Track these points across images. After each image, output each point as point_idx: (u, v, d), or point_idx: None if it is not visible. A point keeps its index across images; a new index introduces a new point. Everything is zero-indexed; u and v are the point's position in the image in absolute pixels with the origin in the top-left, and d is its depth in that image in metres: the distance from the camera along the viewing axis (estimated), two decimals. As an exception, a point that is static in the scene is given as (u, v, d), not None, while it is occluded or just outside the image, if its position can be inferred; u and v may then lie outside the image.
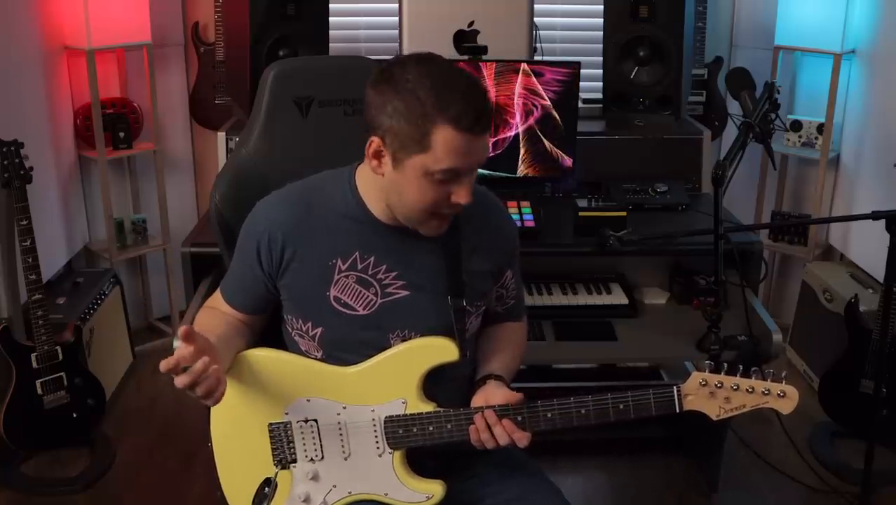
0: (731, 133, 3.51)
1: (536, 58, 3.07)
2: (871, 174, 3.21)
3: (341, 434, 1.56)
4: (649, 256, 2.51)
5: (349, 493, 1.58)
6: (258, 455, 1.60)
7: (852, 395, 2.81)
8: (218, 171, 1.92)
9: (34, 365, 2.66)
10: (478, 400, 1.56)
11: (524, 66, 2.58)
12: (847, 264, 3.36)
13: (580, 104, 2.73)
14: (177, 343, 2.04)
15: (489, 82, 2.56)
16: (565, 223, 2.50)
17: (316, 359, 1.60)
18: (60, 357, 2.71)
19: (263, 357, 1.59)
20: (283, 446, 1.58)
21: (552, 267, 2.53)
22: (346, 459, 1.57)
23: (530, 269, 2.52)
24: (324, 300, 1.56)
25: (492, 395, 1.55)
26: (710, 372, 1.46)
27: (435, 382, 1.55)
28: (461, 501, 1.61)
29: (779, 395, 1.44)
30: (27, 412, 2.68)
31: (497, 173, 2.64)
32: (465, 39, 2.78)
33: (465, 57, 2.73)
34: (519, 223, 2.44)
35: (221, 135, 2.88)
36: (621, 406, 1.49)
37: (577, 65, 2.58)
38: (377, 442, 1.55)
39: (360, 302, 1.56)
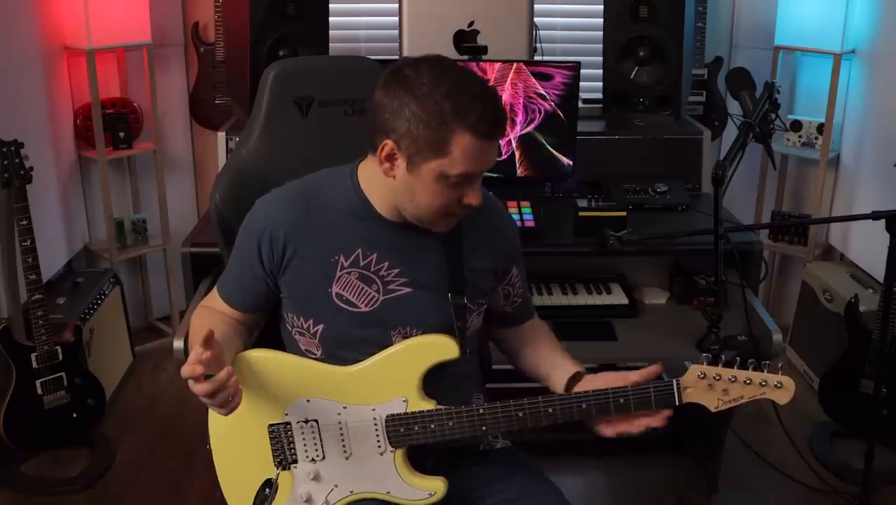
0: (731, 133, 3.51)
1: (536, 58, 3.07)
2: (871, 174, 3.21)
3: (342, 434, 1.56)
4: (649, 256, 2.51)
5: (351, 492, 1.58)
6: (258, 456, 1.59)
7: (852, 395, 2.81)
8: (218, 171, 1.93)
9: (34, 365, 2.66)
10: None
11: (524, 66, 2.58)
12: (847, 264, 3.36)
13: (580, 104, 2.73)
14: (177, 343, 2.07)
15: (492, 82, 2.56)
16: (565, 223, 2.50)
17: (316, 357, 1.60)
18: (60, 357, 2.71)
19: (262, 358, 1.58)
20: (283, 447, 1.58)
21: (552, 267, 2.53)
22: (347, 458, 1.57)
23: (530, 269, 2.50)
24: (325, 297, 1.56)
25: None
26: (708, 365, 1.48)
27: (435, 380, 1.55)
28: (461, 501, 1.61)
29: (775, 385, 1.45)
30: (27, 412, 2.68)
31: (497, 174, 2.64)
32: (465, 39, 2.78)
33: (466, 57, 2.73)
34: (519, 223, 2.44)
35: (221, 135, 2.88)
36: (622, 400, 1.50)
37: (577, 65, 2.58)
38: (378, 441, 1.55)
39: (362, 299, 1.56)
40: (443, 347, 1.54)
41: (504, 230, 1.70)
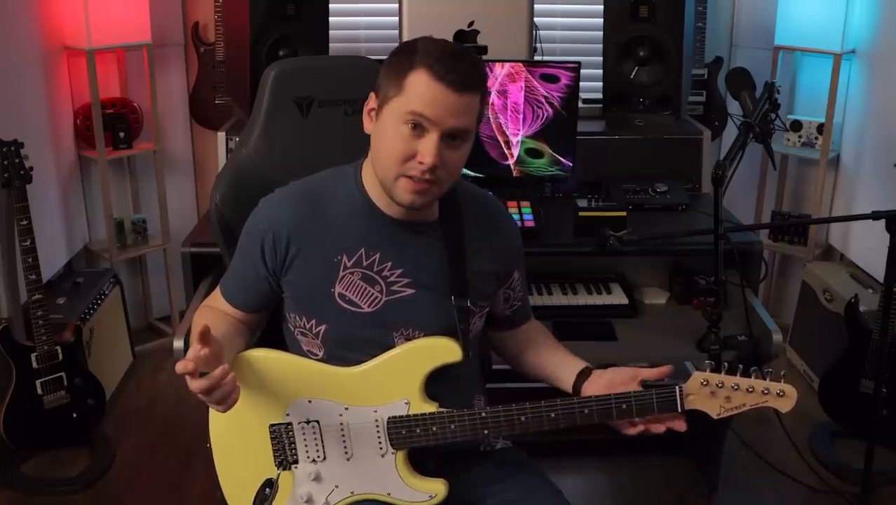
0: (731, 133, 3.51)
1: (536, 58, 3.07)
2: (871, 174, 3.21)
3: (343, 435, 1.56)
4: (649, 256, 2.51)
5: (351, 493, 1.58)
6: (259, 456, 1.59)
7: (852, 395, 2.81)
8: (218, 171, 1.92)
9: (34, 365, 2.66)
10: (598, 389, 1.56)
11: (532, 68, 2.58)
12: (847, 264, 3.36)
13: (580, 104, 2.73)
14: (177, 343, 2.07)
15: (493, 83, 2.55)
16: (565, 223, 2.50)
17: (318, 358, 1.60)
18: (60, 357, 2.71)
19: (264, 357, 1.58)
20: (284, 447, 1.58)
21: (552, 267, 2.52)
22: (348, 459, 1.57)
23: (530, 269, 2.49)
24: (328, 297, 1.56)
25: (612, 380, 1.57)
26: (711, 372, 1.48)
27: (437, 382, 1.55)
28: (462, 502, 1.61)
29: (778, 394, 1.45)
30: (27, 412, 2.68)
31: (497, 174, 2.64)
32: (465, 39, 2.78)
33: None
34: (519, 223, 2.44)
35: (221, 135, 2.87)
36: (624, 406, 1.50)
37: (578, 65, 2.58)
38: (380, 442, 1.55)
39: (365, 299, 1.56)
40: (446, 350, 1.54)
41: (507, 233, 1.70)
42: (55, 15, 3.13)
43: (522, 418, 1.51)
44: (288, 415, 1.57)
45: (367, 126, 1.53)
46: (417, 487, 1.56)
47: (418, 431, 1.53)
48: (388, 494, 1.57)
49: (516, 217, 2.46)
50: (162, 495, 2.70)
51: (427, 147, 1.44)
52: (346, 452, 1.57)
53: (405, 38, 2.81)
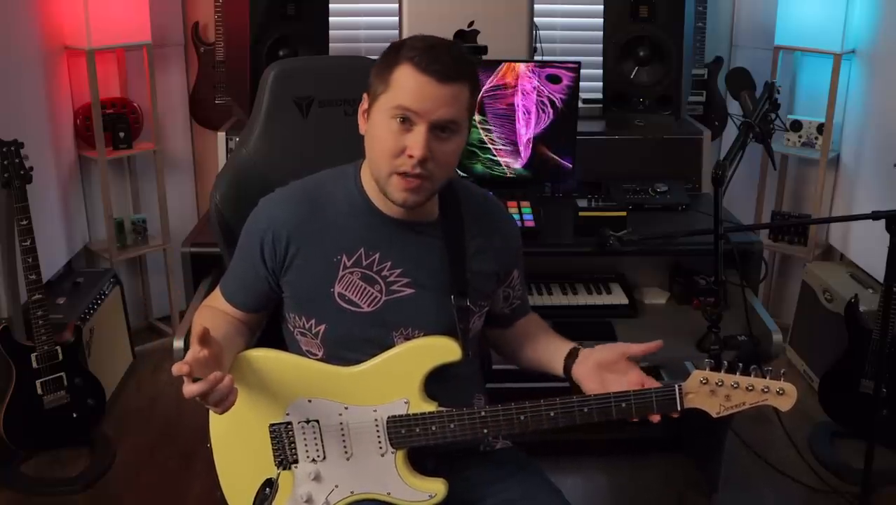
0: (731, 133, 3.51)
1: (536, 58, 3.06)
2: (871, 174, 3.21)
3: (343, 435, 1.56)
4: (649, 256, 2.51)
5: (351, 492, 1.58)
6: (258, 456, 1.59)
7: (852, 395, 2.81)
8: (218, 171, 1.92)
9: (34, 365, 2.66)
10: (592, 377, 1.57)
11: (525, 66, 2.57)
12: (847, 264, 3.36)
13: (580, 104, 2.73)
14: (177, 343, 2.07)
15: (494, 82, 2.55)
16: (565, 223, 2.50)
17: (317, 358, 1.60)
18: (60, 357, 2.71)
19: (264, 357, 1.58)
20: (284, 447, 1.58)
21: (552, 267, 2.52)
22: (348, 459, 1.57)
23: (530, 269, 2.49)
24: (328, 297, 1.56)
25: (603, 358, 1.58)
26: (711, 370, 1.48)
27: (436, 382, 1.55)
28: (462, 501, 1.61)
29: (778, 392, 1.45)
30: (27, 412, 2.68)
31: (497, 174, 2.64)
32: (465, 39, 2.78)
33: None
34: (519, 223, 2.44)
35: (221, 135, 2.88)
36: (623, 404, 1.50)
37: (578, 65, 2.58)
38: (379, 442, 1.55)
39: (365, 299, 1.56)
40: (445, 349, 1.54)
41: (507, 232, 1.70)
42: (55, 15, 3.13)
43: (522, 417, 1.51)
44: (288, 414, 1.57)
45: (362, 127, 1.54)
46: (417, 486, 1.56)
47: (418, 430, 1.53)
48: (388, 493, 1.57)
49: (516, 217, 2.46)
50: (162, 495, 2.70)
51: (415, 140, 1.44)
52: (345, 452, 1.57)
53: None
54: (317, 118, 1.91)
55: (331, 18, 3.03)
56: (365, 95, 1.52)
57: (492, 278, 1.66)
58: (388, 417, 1.54)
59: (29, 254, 2.60)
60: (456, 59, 1.46)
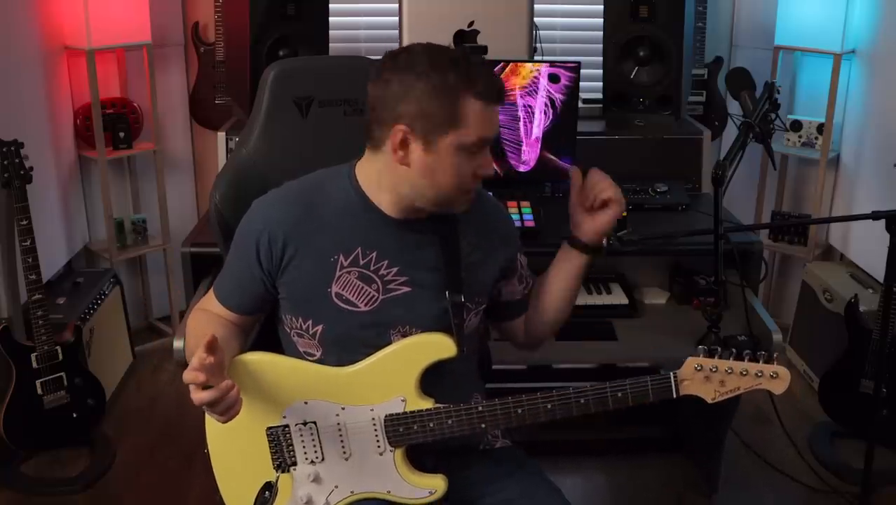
0: (731, 133, 3.51)
1: (536, 58, 3.06)
2: (871, 174, 3.21)
3: (341, 435, 1.56)
4: (649, 256, 2.51)
5: (351, 492, 1.58)
6: (256, 459, 1.59)
7: (852, 395, 2.81)
8: (218, 171, 1.92)
9: (34, 365, 2.66)
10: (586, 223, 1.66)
11: (533, 65, 2.58)
12: (847, 264, 3.36)
13: (580, 104, 2.73)
14: (177, 343, 2.06)
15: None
16: (565, 223, 2.48)
17: (315, 359, 1.60)
18: (60, 357, 2.71)
19: (259, 361, 1.58)
20: (282, 450, 1.58)
21: (552, 267, 2.52)
22: (346, 459, 1.57)
23: (530, 269, 2.51)
24: (325, 297, 1.56)
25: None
26: (705, 357, 1.49)
27: (433, 380, 1.55)
28: (460, 500, 1.61)
29: (771, 376, 1.47)
30: (27, 412, 2.68)
31: (497, 173, 2.63)
32: (465, 39, 2.78)
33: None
34: (519, 223, 2.44)
35: (221, 135, 2.88)
36: (619, 394, 1.51)
37: (578, 65, 2.58)
38: (378, 441, 1.55)
39: (362, 298, 1.56)
40: (440, 346, 1.54)
41: (504, 230, 1.71)
42: (55, 15, 3.13)
43: (519, 411, 1.52)
44: (284, 417, 1.57)
45: (402, 159, 1.47)
46: (417, 483, 1.56)
47: (416, 427, 1.53)
48: (388, 491, 1.57)
49: (516, 217, 2.46)
50: (162, 495, 2.70)
51: (487, 161, 1.51)
52: (344, 452, 1.57)
53: (405, 38, 2.81)
54: (316, 118, 1.91)
55: (331, 18, 3.03)
56: (403, 128, 1.44)
57: (492, 273, 1.66)
58: (386, 416, 1.54)
59: (29, 254, 2.60)
60: (498, 77, 1.53)
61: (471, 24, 2.79)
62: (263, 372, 1.57)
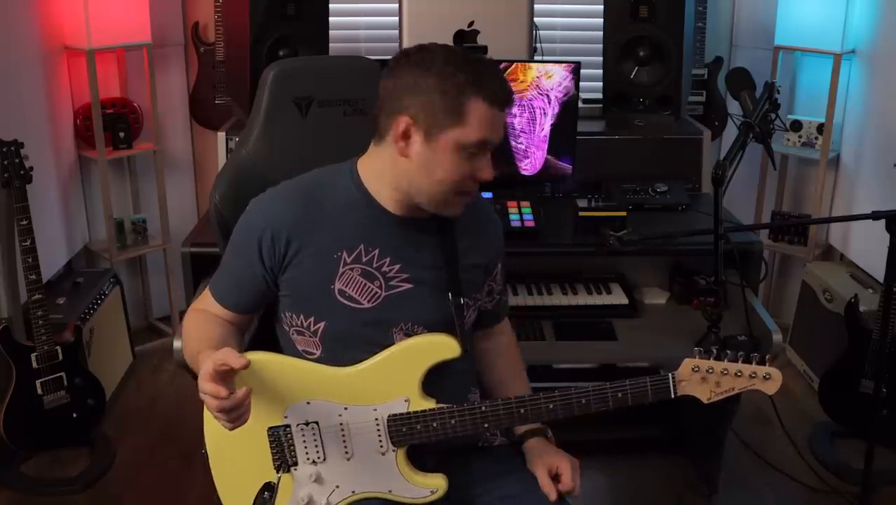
0: (731, 133, 3.51)
1: (536, 58, 3.07)
2: (871, 174, 3.21)
3: (343, 435, 1.56)
4: (649, 256, 2.51)
5: (353, 492, 1.58)
6: (256, 460, 1.59)
7: (852, 395, 2.81)
8: (218, 171, 1.92)
9: (34, 365, 2.66)
10: (539, 466, 1.63)
11: (525, 66, 2.58)
12: (847, 264, 3.36)
13: (580, 104, 2.73)
14: (177, 343, 2.06)
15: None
16: (565, 223, 2.51)
17: (314, 357, 1.60)
18: (60, 357, 2.71)
19: (261, 360, 1.57)
20: (283, 450, 1.58)
21: (552, 267, 2.53)
22: (348, 459, 1.57)
23: (530, 269, 2.51)
24: (328, 294, 1.56)
25: (551, 458, 1.65)
26: (701, 358, 1.52)
27: (433, 378, 1.55)
28: (460, 498, 1.61)
29: (764, 377, 1.50)
30: (27, 412, 2.68)
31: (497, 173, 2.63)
32: (465, 39, 2.78)
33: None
34: (519, 223, 2.45)
35: (221, 135, 2.88)
36: (619, 394, 1.52)
37: (577, 65, 2.58)
38: (380, 441, 1.55)
39: (365, 295, 1.56)
40: (444, 347, 1.54)
41: (492, 231, 1.73)
42: (55, 15, 3.13)
43: (521, 411, 1.53)
44: (286, 417, 1.56)
45: (403, 150, 1.49)
46: (418, 483, 1.57)
47: (419, 427, 1.53)
48: (390, 491, 1.57)
49: (516, 217, 2.47)
50: (162, 495, 2.70)
51: (486, 165, 1.52)
52: (346, 452, 1.57)
53: (405, 38, 2.81)
54: (316, 118, 1.91)
55: (331, 18, 3.03)
56: (407, 119, 1.47)
57: (481, 272, 1.68)
58: (389, 416, 1.54)
59: (29, 254, 2.60)
60: (508, 84, 1.52)
61: (471, 24, 2.79)
62: (265, 371, 1.57)
